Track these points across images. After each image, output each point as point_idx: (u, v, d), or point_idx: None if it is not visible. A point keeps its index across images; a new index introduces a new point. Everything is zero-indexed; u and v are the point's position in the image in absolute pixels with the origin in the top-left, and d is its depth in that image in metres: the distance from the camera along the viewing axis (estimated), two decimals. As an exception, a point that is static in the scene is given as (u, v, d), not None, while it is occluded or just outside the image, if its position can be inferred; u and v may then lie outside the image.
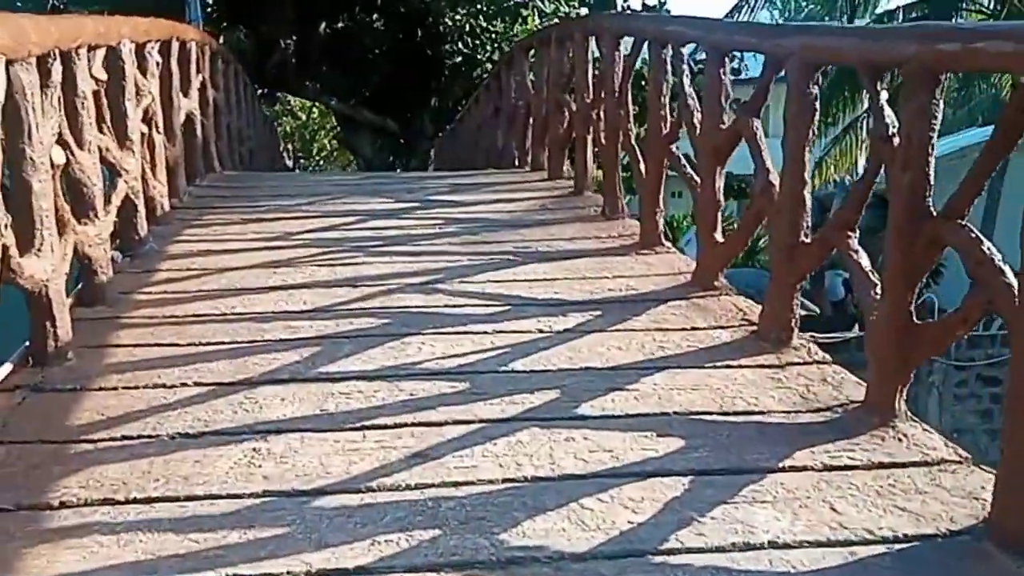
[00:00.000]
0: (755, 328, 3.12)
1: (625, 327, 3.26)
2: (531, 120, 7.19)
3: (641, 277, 3.90)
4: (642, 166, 4.53)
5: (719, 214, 3.69)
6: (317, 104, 16.69)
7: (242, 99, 8.40)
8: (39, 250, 2.82)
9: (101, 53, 3.75)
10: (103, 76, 3.68)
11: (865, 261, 2.64)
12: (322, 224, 4.92)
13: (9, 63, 2.62)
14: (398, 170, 16.03)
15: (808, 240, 2.94)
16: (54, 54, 3.05)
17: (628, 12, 12.44)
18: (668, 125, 4.20)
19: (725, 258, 3.69)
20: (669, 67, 4.17)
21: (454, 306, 3.52)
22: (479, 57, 14.05)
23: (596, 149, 5.50)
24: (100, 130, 3.81)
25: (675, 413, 2.50)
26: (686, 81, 4.01)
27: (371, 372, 2.81)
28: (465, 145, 10.48)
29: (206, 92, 6.58)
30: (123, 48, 4.06)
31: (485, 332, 3.20)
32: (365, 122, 15.11)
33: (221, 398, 2.63)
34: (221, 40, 12.95)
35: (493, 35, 13.76)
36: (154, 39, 4.79)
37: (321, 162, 22.50)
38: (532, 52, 7.32)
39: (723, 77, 3.59)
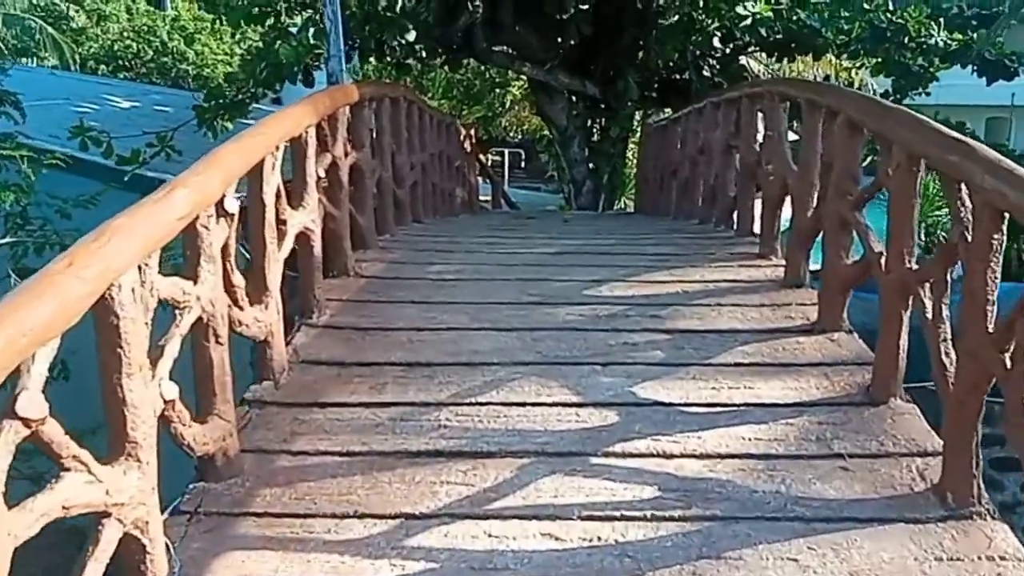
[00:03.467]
0: None
1: None
2: (787, 199, 4.98)
3: None
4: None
5: None
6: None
7: (401, 129, 6.57)
8: None
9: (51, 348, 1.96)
10: (37, 414, 1.90)
11: None
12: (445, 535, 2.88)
13: None
14: (594, 134, 13.88)
15: None
16: None
17: None
18: None
19: None
20: None
21: None
22: (700, 19, 11.56)
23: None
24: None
25: None
26: None
27: None
28: (681, 162, 8.24)
29: (338, 171, 4.80)
30: (117, 294, 2.26)
31: None
32: (561, 87, 12.99)
33: None
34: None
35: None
36: (223, 193, 2.97)
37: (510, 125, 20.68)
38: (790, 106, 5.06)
39: None
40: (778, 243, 5.22)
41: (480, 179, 13.91)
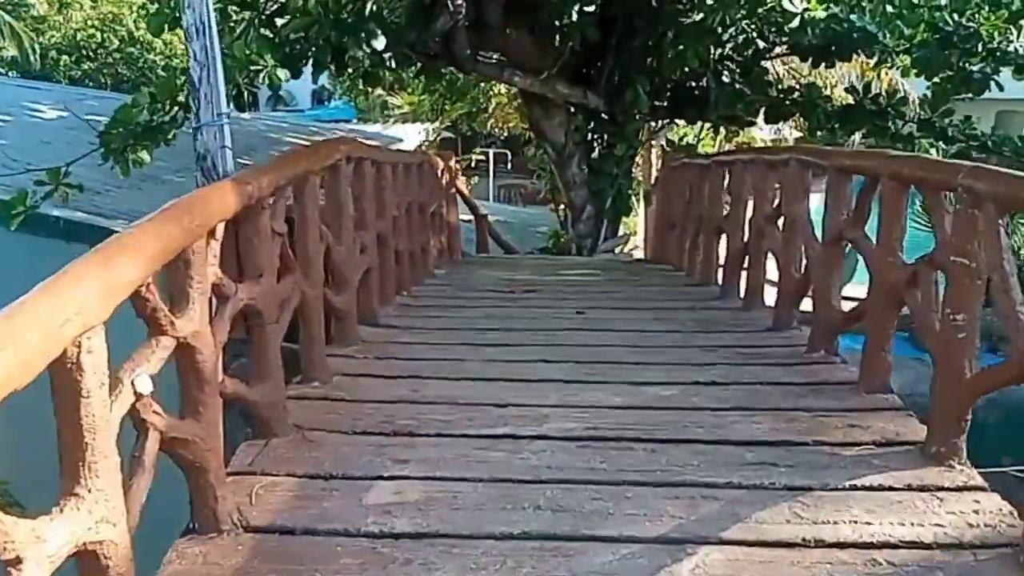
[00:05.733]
0: None
1: None
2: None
3: None
4: None
5: None
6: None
7: (341, 208, 4.32)
8: None
9: None
10: None
11: None
12: None
13: None
14: (595, 150, 11.58)
15: None
16: None
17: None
18: None
19: None
20: None
21: None
22: (734, 18, 9.29)
23: None
24: None
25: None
26: None
27: None
28: (732, 224, 5.99)
29: (194, 356, 2.53)
30: None
31: None
32: (559, 99, 10.72)
33: None
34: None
35: None
36: None
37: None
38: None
39: None
40: (964, 440, 3.01)
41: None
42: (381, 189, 5.37)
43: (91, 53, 28.22)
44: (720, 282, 6.09)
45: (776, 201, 5.11)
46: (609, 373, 4.04)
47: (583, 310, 5.52)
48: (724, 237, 6.30)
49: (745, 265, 5.77)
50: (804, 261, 4.63)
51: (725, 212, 6.33)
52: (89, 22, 28.28)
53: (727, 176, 6.29)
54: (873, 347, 3.56)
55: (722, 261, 6.18)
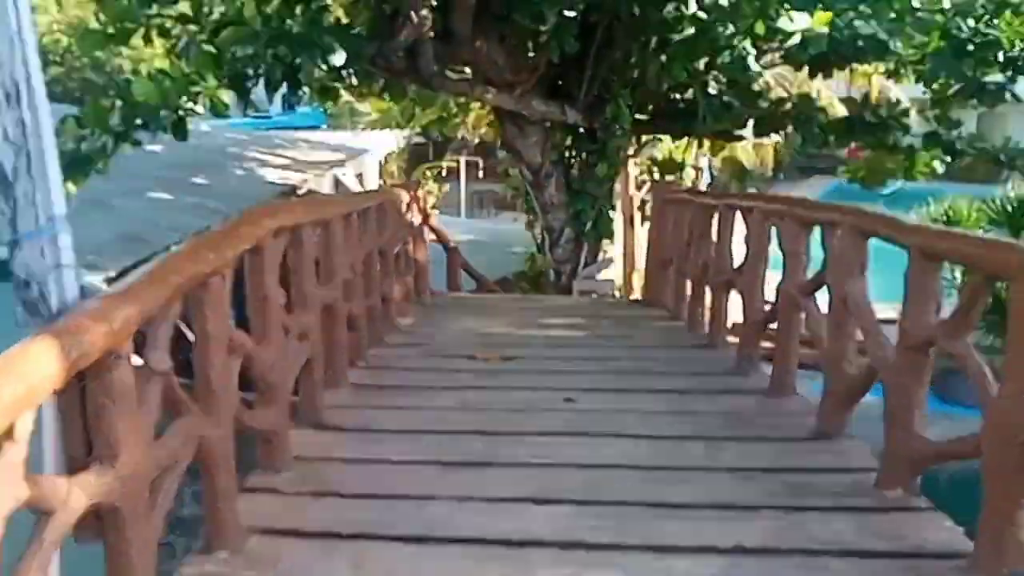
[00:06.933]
0: None
1: None
2: None
3: None
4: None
5: None
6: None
7: (266, 300, 3.21)
8: None
9: None
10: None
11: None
12: None
13: None
14: (574, 168, 10.48)
15: None
16: None
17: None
18: None
19: None
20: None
21: None
22: (721, 31, 8.24)
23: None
24: None
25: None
26: None
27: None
28: (746, 278, 4.93)
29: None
30: None
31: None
32: (535, 117, 9.65)
33: None
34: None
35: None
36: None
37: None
38: None
39: None
40: None
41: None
42: (329, 251, 4.26)
43: (58, 58, 27.46)
44: (736, 351, 5.03)
45: (808, 266, 4.07)
46: (619, 525, 2.94)
47: (573, 397, 4.43)
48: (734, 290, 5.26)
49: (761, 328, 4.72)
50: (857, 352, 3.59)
51: (735, 263, 5.29)
52: (55, 26, 27.44)
53: (737, 221, 5.24)
54: (996, 517, 2.49)
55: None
